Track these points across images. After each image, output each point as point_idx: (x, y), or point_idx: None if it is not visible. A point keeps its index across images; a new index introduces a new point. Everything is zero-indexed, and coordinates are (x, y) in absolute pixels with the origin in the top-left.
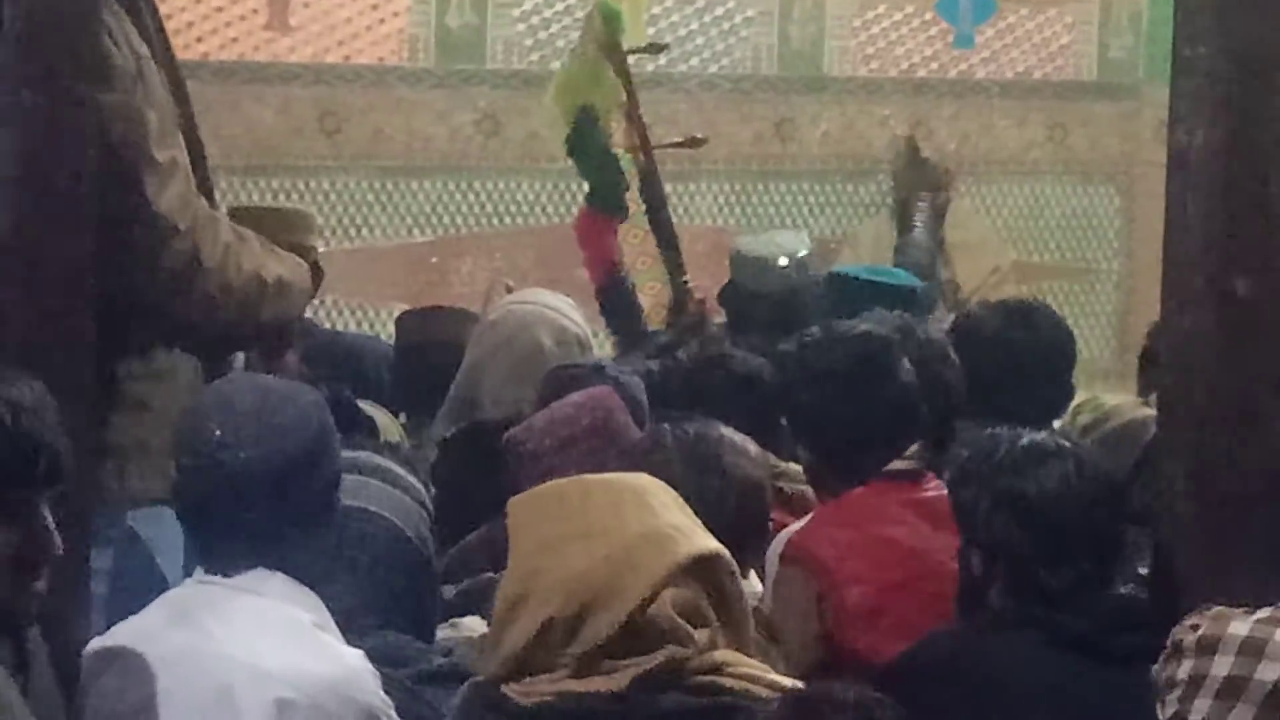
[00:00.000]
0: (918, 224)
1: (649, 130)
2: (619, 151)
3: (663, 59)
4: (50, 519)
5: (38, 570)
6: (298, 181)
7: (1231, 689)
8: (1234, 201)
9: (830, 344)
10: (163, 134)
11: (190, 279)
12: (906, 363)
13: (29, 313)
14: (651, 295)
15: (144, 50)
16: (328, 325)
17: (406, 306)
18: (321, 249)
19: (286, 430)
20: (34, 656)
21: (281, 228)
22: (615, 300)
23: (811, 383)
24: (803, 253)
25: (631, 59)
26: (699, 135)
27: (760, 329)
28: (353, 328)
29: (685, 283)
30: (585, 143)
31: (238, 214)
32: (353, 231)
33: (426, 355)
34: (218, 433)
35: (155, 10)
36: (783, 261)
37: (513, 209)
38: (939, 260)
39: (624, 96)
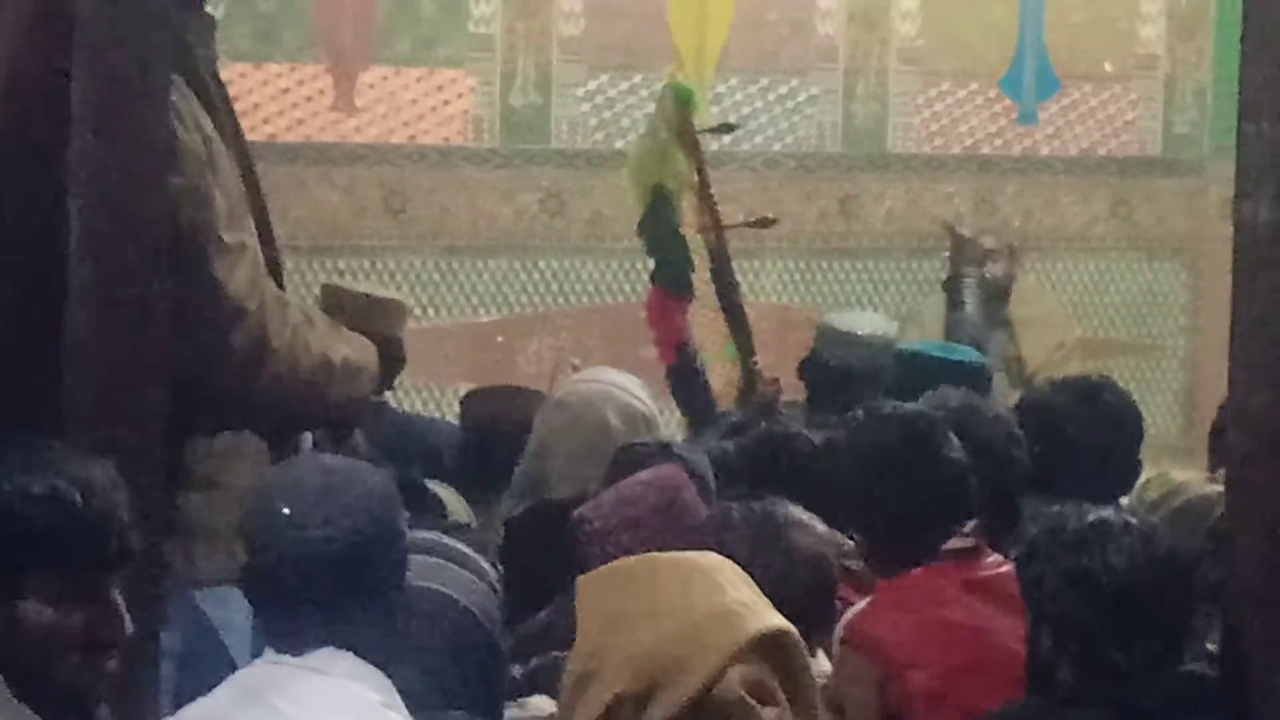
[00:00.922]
0: (966, 300)
1: (719, 212)
2: (689, 232)
3: (727, 137)
4: (120, 599)
5: (108, 651)
6: (364, 261)
7: None
8: None
9: (876, 425)
10: (231, 216)
11: (259, 360)
12: (955, 441)
13: (101, 394)
14: (721, 375)
15: (213, 133)
16: (393, 405)
17: (472, 386)
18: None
19: (354, 509)
20: None
21: (373, 315)
22: (685, 380)
23: (856, 465)
24: (890, 334)
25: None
26: (769, 215)
27: (839, 405)
28: (418, 408)
29: (755, 363)
30: (658, 222)
31: (331, 292)
32: (418, 311)
33: (493, 435)
34: (286, 512)
35: (225, 92)
36: (868, 338)
37: (578, 288)
38: (992, 336)
39: (695, 177)
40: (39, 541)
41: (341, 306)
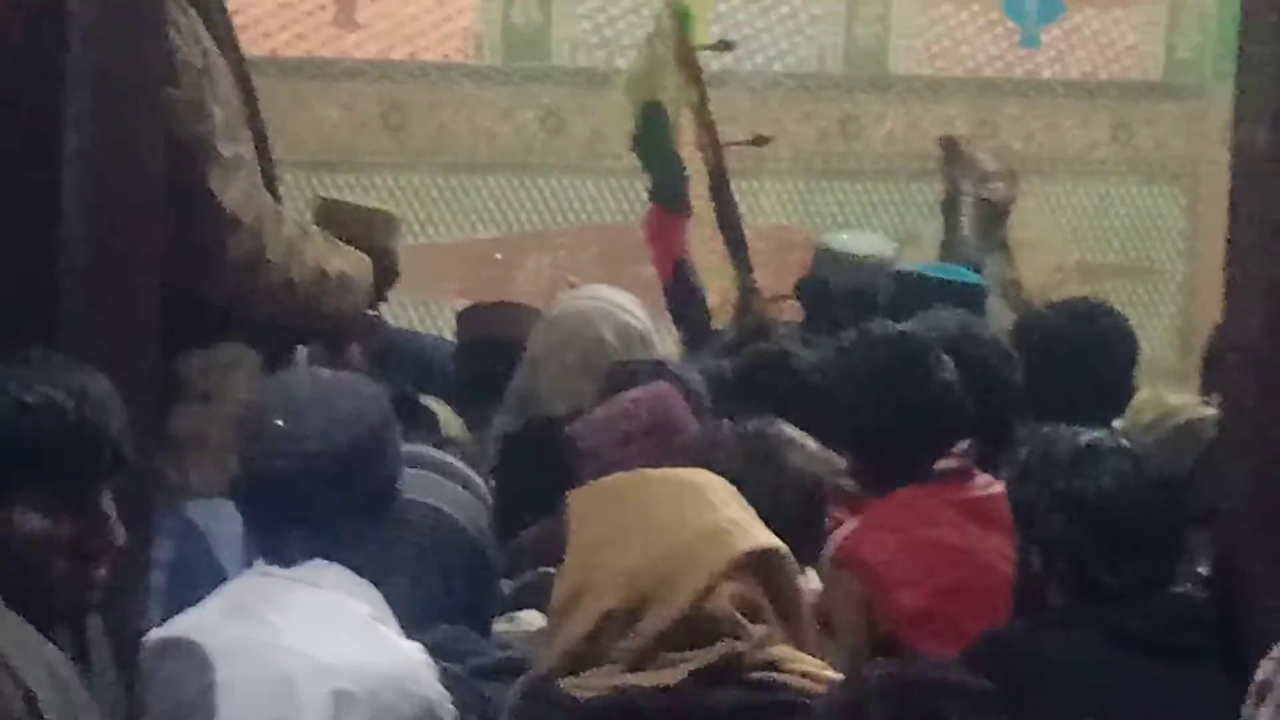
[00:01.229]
0: (963, 221)
1: (717, 130)
2: (688, 150)
3: (728, 57)
4: (112, 509)
5: (99, 560)
6: (362, 178)
7: None
8: None
9: (869, 345)
10: (229, 129)
11: (254, 273)
12: (949, 362)
13: (94, 306)
14: (718, 294)
15: (211, 46)
16: (391, 321)
17: (469, 303)
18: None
19: (347, 422)
20: (95, 646)
21: (367, 227)
22: (682, 296)
23: (849, 385)
24: (888, 255)
25: (699, 57)
26: (765, 134)
27: (836, 325)
28: (416, 324)
29: (752, 281)
30: (651, 139)
31: (326, 206)
32: (416, 228)
33: (488, 350)
34: (279, 424)
35: (223, 6)
36: (866, 258)
37: (576, 206)
38: (990, 259)
39: (693, 95)
40: (31, 451)
41: (335, 220)
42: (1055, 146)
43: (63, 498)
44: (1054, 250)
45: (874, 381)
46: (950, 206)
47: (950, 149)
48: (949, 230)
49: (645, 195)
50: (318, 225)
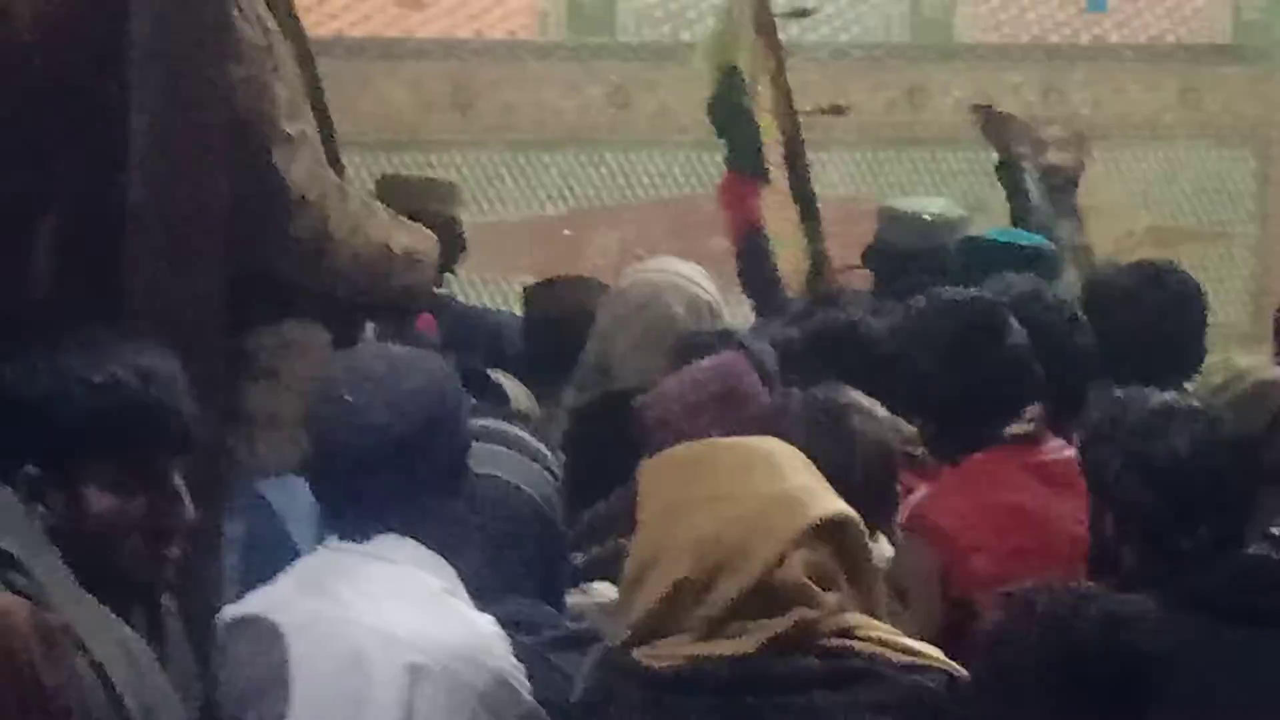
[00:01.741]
0: (1027, 186)
1: (793, 97)
2: (764, 116)
3: (794, 28)
4: (182, 487)
5: (171, 538)
6: (430, 156)
7: None
8: None
9: (936, 311)
10: (291, 107)
11: (320, 249)
12: (1017, 325)
13: (162, 284)
14: (790, 263)
15: (273, 24)
16: (460, 299)
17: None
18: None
19: (416, 397)
20: (169, 624)
21: (429, 198)
22: (754, 264)
23: (919, 351)
24: (953, 217)
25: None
26: (842, 103)
27: (904, 289)
28: (485, 301)
29: (824, 251)
30: (729, 104)
31: (386, 183)
32: (485, 205)
33: (556, 324)
34: (348, 399)
35: None
36: (930, 219)
37: (644, 181)
38: (1060, 224)
39: (771, 61)
40: (100, 429)
41: (396, 195)
42: (1123, 111)
43: (133, 476)
44: (1124, 216)
45: (944, 347)
46: (1007, 174)
47: (988, 117)
48: (1011, 199)
49: (712, 168)
50: (380, 201)
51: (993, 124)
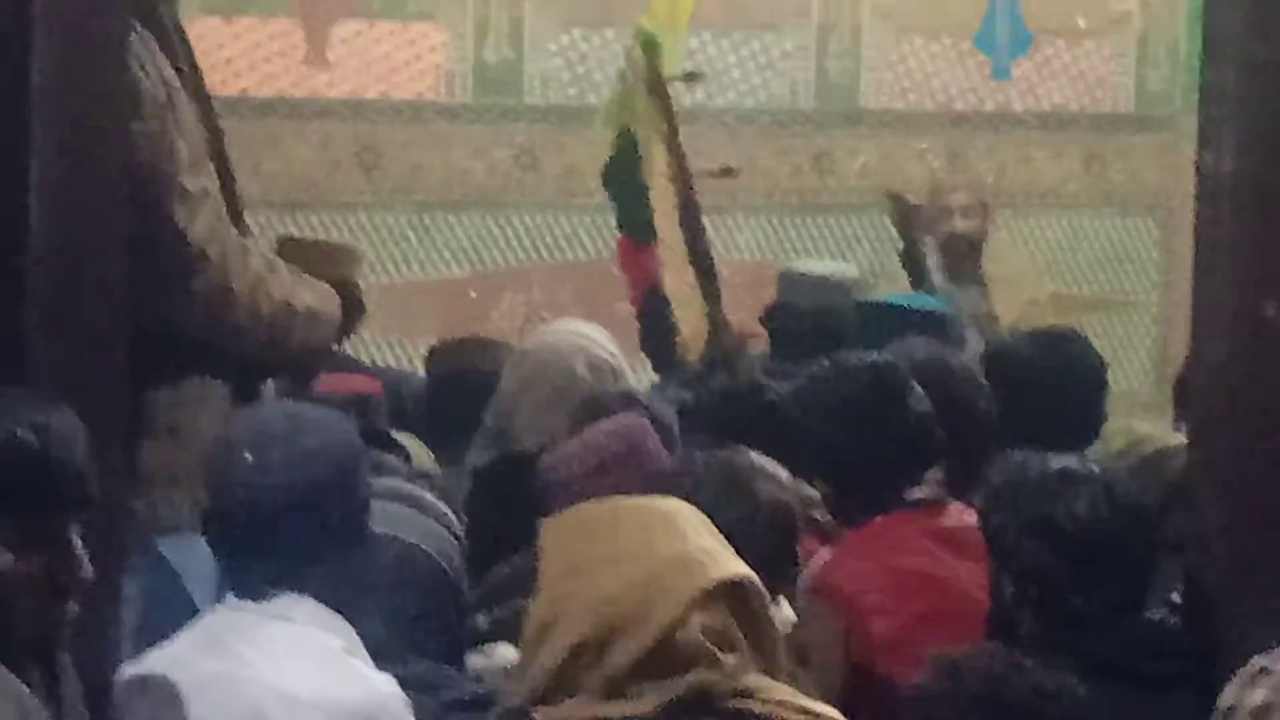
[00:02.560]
0: (929, 268)
1: (687, 160)
2: (659, 179)
3: (700, 92)
4: (79, 544)
5: (66, 595)
6: (336, 217)
7: None
8: (1263, 224)
9: (839, 375)
10: (193, 163)
11: (221, 306)
12: (919, 390)
13: (60, 340)
14: (690, 325)
15: (174, 80)
16: (364, 359)
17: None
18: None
19: (316, 455)
20: (66, 682)
21: (328, 262)
22: (652, 325)
23: (822, 415)
24: (850, 277)
25: (670, 90)
26: (733, 165)
27: (803, 351)
28: (390, 363)
29: (722, 313)
30: (621, 168)
31: (286, 245)
32: (390, 266)
33: (459, 385)
34: (248, 457)
35: (185, 40)
36: (830, 281)
37: (550, 244)
38: (964, 293)
39: (664, 124)
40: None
41: (295, 257)
42: (1028, 179)
43: (28, 533)
44: (1028, 284)
45: (847, 411)
46: (911, 256)
47: (899, 207)
48: (913, 283)
49: (615, 228)
50: None
51: (903, 212)
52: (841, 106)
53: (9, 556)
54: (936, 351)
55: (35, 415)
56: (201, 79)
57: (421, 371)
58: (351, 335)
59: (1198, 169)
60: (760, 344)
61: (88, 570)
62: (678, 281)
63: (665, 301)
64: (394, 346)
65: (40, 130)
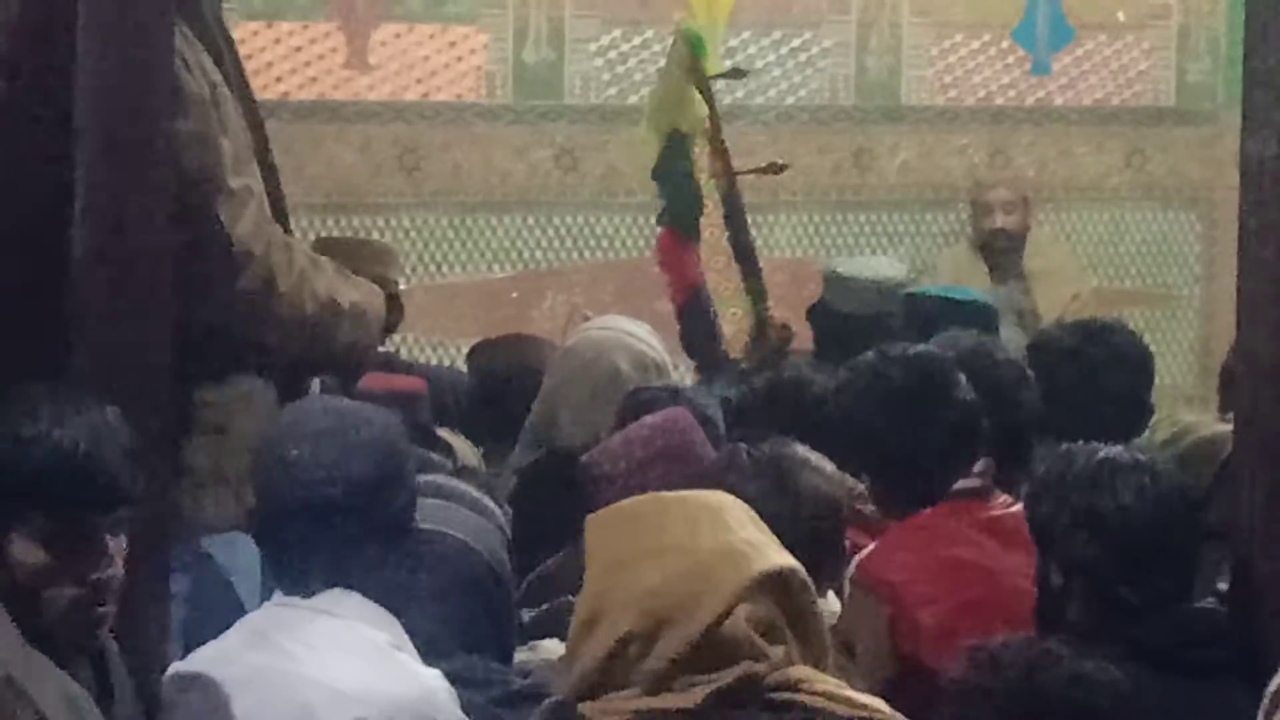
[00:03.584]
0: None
1: (730, 157)
2: (703, 178)
3: (740, 90)
4: (114, 544)
5: (99, 594)
6: (378, 219)
7: None
8: None
9: (884, 366)
10: (237, 162)
11: (266, 304)
12: (965, 381)
13: (108, 339)
14: (734, 322)
15: (218, 79)
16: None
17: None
18: (402, 285)
19: (362, 452)
20: (116, 681)
21: (365, 261)
22: (696, 323)
23: (867, 407)
24: (898, 278)
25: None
26: (780, 161)
27: (847, 351)
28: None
29: (767, 309)
30: (672, 165)
31: (323, 245)
32: (433, 268)
33: (503, 383)
34: (294, 454)
35: (230, 41)
36: (875, 283)
37: (591, 243)
38: (1005, 288)
39: (707, 121)
40: (28, 482)
41: (332, 256)
42: (1069, 174)
43: (60, 531)
44: (1070, 278)
45: (892, 403)
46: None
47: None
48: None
49: (657, 219)
50: None
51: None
52: (882, 103)
53: (41, 553)
54: (981, 342)
55: (71, 413)
56: (246, 78)
57: (464, 370)
58: (392, 334)
59: (1241, 156)
60: (802, 341)
61: (119, 572)
62: (720, 280)
63: (709, 300)
64: (436, 348)
65: (85, 130)
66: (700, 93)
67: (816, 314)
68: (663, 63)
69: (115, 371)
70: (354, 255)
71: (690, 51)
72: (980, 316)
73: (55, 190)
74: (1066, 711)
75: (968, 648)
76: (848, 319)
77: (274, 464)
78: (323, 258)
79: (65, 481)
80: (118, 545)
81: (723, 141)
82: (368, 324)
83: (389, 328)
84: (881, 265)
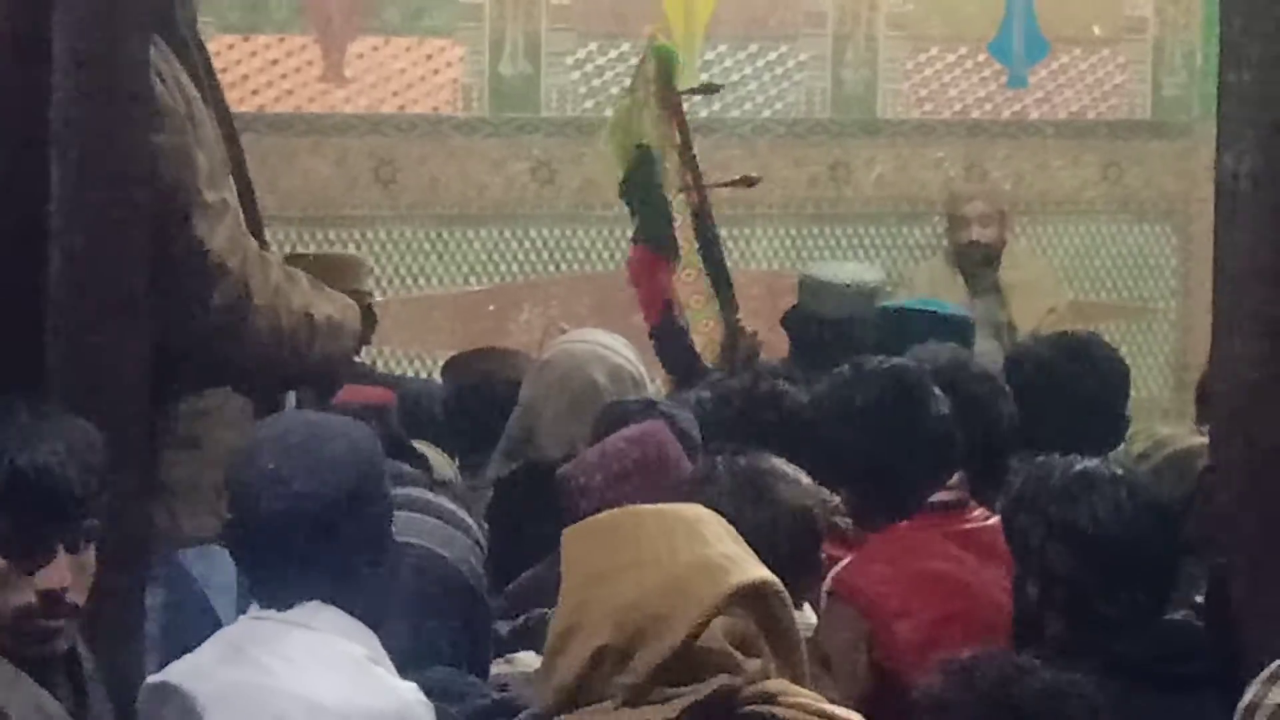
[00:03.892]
0: None
1: (702, 172)
2: (672, 192)
3: (716, 104)
4: (72, 559)
5: (51, 608)
6: (354, 232)
7: None
8: None
9: (861, 379)
10: (212, 175)
11: (241, 318)
12: (940, 394)
13: (83, 352)
14: (705, 334)
15: (194, 92)
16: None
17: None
18: (378, 298)
19: (338, 464)
20: (91, 693)
21: (335, 274)
22: (669, 339)
23: (843, 419)
24: (872, 283)
25: (685, 102)
26: (753, 175)
27: (823, 357)
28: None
29: (739, 321)
30: (640, 181)
31: (293, 261)
32: (409, 281)
33: (479, 395)
34: (270, 467)
35: (205, 54)
36: (849, 287)
37: (569, 256)
38: (981, 301)
39: (676, 136)
40: None
41: (306, 270)
42: (1045, 187)
43: (9, 538)
44: (1046, 291)
45: (868, 415)
46: None
47: None
48: None
49: (631, 236)
50: None
51: None
52: (858, 116)
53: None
54: (957, 355)
55: (29, 424)
56: (221, 91)
57: (440, 382)
58: (365, 346)
59: (1217, 170)
60: (775, 352)
61: (71, 585)
62: (690, 292)
63: (681, 313)
64: (413, 360)
65: (60, 143)
66: (671, 109)
67: (791, 319)
68: (632, 77)
69: (91, 384)
70: (326, 269)
71: (659, 68)
72: (957, 329)
73: (31, 207)
74: None
75: (941, 661)
76: (822, 323)
77: (250, 477)
78: (298, 271)
79: (13, 490)
80: (78, 560)
81: (693, 156)
82: (343, 337)
83: (363, 339)
84: (855, 270)
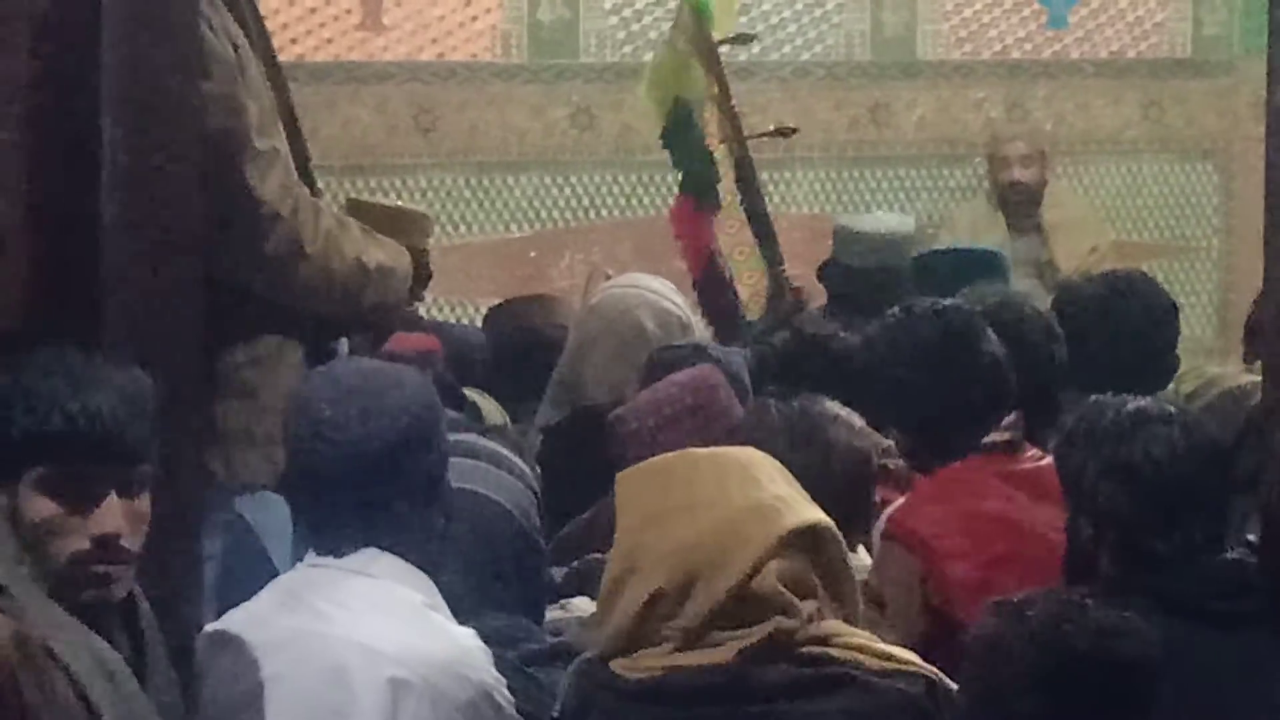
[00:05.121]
0: None
1: (742, 120)
2: (712, 143)
3: (756, 47)
4: (125, 506)
5: (105, 553)
6: (395, 180)
7: None
8: None
9: (912, 321)
10: (263, 123)
11: (293, 265)
12: (992, 335)
13: (137, 302)
14: (749, 285)
15: (243, 41)
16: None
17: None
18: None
19: (393, 410)
20: (150, 643)
21: (397, 229)
22: (713, 290)
23: (896, 361)
24: (906, 233)
25: (723, 49)
26: (790, 124)
27: (860, 307)
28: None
29: (783, 271)
30: (681, 133)
31: (355, 208)
32: (450, 228)
33: (524, 343)
34: (326, 414)
35: (252, 3)
36: (882, 236)
37: (609, 202)
38: (1023, 241)
39: (715, 88)
40: (34, 436)
41: (366, 219)
42: (1086, 127)
43: (62, 484)
44: (1088, 230)
45: (920, 356)
46: None
47: None
48: None
49: (677, 189)
50: None
51: None
52: (898, 58)
53: (52, 506)
54: (1009, 296)
55: (83, 371)
56: (269, 40)
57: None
58: (420, 299)
59: (1268, 107)
60: (818, 298)
61: (126, 531)
62: (733, 243)
63: (725, 265)
64: (455, 308)
65: (111, 92)
66: (707, 60)
67: (827, 270)
68: (667, 27)
69: (145, 334)
70: (385, 223)
71: (695, 19)
72: (991, 265)
73: (84, 157)
74: (1094, 663)
75: (993, 601)
76: (856, 273)
77: (305, 424)
78: (349, 218)
79: (65, 436)
80: (133, 507)
81: (733, 106)
82: (395, 284)
83: (415, 294)
84: (888, 219)
